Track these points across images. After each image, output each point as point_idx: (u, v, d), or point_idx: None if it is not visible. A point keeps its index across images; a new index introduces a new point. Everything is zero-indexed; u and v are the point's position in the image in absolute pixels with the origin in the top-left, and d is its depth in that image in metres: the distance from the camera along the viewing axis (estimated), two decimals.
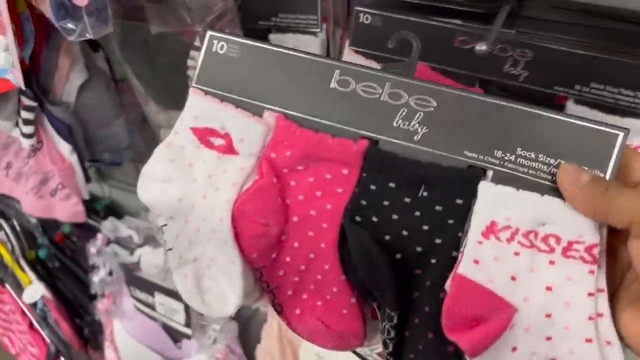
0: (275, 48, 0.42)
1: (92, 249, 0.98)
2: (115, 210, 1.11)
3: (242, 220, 0.41)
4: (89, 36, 0.51)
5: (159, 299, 0.85)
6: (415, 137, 0.37)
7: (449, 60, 0.55)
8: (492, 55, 0.49)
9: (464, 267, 0.34)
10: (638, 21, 0.45)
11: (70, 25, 0.50)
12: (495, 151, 0.36)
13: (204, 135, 0.43)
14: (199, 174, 0.43)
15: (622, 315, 0.32)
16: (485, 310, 0.32)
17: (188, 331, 0.85)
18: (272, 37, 0.70)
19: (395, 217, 0.37)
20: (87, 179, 0.85)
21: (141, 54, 0.74)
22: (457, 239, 0.35)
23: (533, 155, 0.35)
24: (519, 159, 0.35)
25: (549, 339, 0.33)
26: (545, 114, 0.35)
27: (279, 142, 0.40)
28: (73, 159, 0.80)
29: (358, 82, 0.39)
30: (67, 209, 0.83)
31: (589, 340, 0.32)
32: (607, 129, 0.34)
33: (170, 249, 0.44)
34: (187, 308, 0.82)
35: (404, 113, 0.38)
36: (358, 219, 0.38)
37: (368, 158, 0.38)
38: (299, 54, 0.41)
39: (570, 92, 0.52)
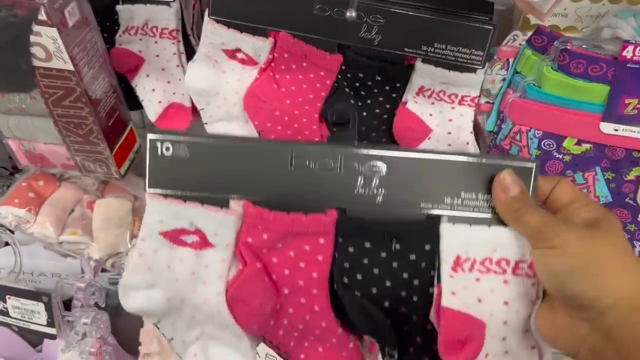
0: (224, 141, 0.43)
1: None
2: None
3: (237, 306, 0.44)
4: None
5: (13, 302, 0.78)
6: (377, 199, 0.43)
7: (309, 27, 0.61)
8: (349, 21, 0.52)
9: (446, 300, 0.42)
10: None
11: None
12: (445, 198, 0.43)
13: (175, 236, 0.44)
14: (180, 272, 0.45)
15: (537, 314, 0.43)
16: (468, 331, 0.41)
17: (52, 331, 0.79)
18: (120, 8, 0.70)
19: (376, 271, 0.43)
20: None
21: None
22: (431, 277, 0.43)
23: (474, 196, 0.43)
24: (464, 201, 0.43)
25: (504, 339, 0.43)
26: (473, 160, 0.42)
27: (253, 227, 0.43)
28: None
29: (313, 160, 0.43)
30: None
31: (526, 331, 0.43)
32: (522, 164, 0.42)
33: (172, 339, 0.47)
34: (49, 307, 0.77)
35: (361, 181, 0.43)
36: (346, 280, 0.44)
37: (341, 226, 0.43)
38: (250, 143, 0.43)
39: (418, 52, 0.61)
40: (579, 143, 0.59)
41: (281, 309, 0.46)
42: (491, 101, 0.65)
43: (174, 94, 0.73)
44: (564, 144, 0.60)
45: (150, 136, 0.43)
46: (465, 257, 0.42)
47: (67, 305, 0.79)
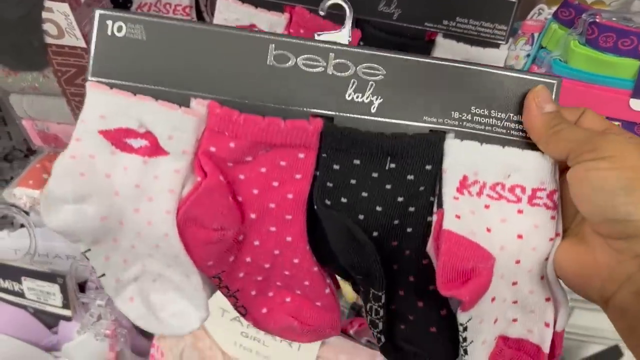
0: (190, 24, 0.35)
1: None
2: None
3: (191, 230, 0.35)
4: None
5: (28, 284, 0.79)
6: (372, 108, 0.36)
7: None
8: None
9: (448, 222, 0.34)
10: None
11: None
12: (452, 112, 0.36)
13: (119, 138, 0.35)
14: (121, 184, 0.36)
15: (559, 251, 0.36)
16: (474, 262, 0.33)
17: (67, 313, 0.80)
18: None
19: (365, 194, 0.36)
20: None
21: None
22: (430, 204, 0.36)
23: (486, 112, 0.36)
24: (475, 117, 0.36)
25: (515, 284, 0.36)
26: (487, 70, 0.36)
27: (218, 133, 0.35)
28: None
29: (298, 56, 0.35)
30: None
31: (542, 278, 0.36)
32: (545, 80, 0.36)
33: (104, 275, 0.37)
34: (64, 288, 0.77)
35: (354, 85, 0.35)
36: (327, 202, 0.36)
37: (326, 137, 0.35)
38: (221, 29, 0.36)
39: (439, 27, 0.57)
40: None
41: (245, 240, 0.37)
42: None
43: None
44: None
45: (99, 11, 0.35)
46: (473, 178, 0.35)
47: (82, 287, 0.81)
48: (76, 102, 0.68)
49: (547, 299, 0.36)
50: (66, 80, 0.64)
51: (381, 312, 0.37)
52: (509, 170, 0.35)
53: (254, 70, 0.35)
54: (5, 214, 0.83)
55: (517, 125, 0.36)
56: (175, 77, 0.35)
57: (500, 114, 0.36)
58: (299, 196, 0.36)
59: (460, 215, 0.34)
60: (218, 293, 0.43)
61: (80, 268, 0.80)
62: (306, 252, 0.37)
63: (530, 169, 0.35)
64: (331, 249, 0.36)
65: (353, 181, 0.36)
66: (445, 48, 0.59)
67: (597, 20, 0.53)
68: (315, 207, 0.36)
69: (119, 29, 0.35)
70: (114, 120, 0.35)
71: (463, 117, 0.36)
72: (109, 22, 0.35)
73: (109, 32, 0.35)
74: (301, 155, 0.36)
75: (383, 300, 0.36)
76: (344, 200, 0.36)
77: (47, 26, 0.57)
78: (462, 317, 0.34)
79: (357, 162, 0.35)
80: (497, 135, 0.36)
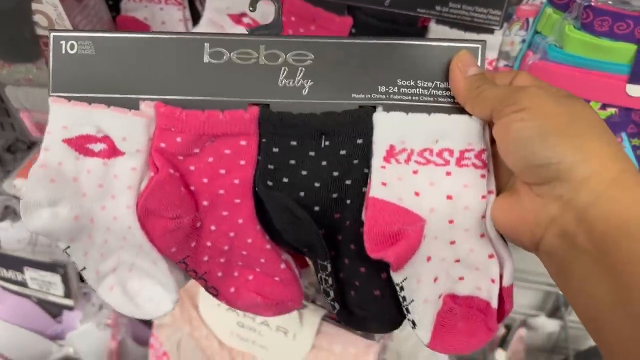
0: (132, 35, 0.39)
1: None
2: None
3: (150, 220, 0.39)
4: None
5: (30, 274, 0.80)
6: (303, 91, 0.38)
7: None
8: None
9: (374, 190, 0.36)
10: None
11: None
12: (379, 87, 0.38)
13: (81, 144, 0.39)
14: (87, 186, 0.40)
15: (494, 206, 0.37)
16: (400, 225, 0.35)
17: (69, 302, 0.81)
18: None
19: (304, 172, 0.38)
20: None
21: None
22: (364, 175, 0.38)
23: (412, 83, 0.38)
24: (401, 89, 0.38)
25: (452, 243, 0.37)
26: (410, 42, 0.38)
27: (165, 130, 0.39)
28: None
29: (231, 51, 0.38)
30: None
31: (482, 235, 0.37)
32: (468, 45, 0.37)
33: (85, 268, 0.41)
34: (65, 278, 0.78)
35: (285, 72, 0.38)
36: (270, 183, 0.38)
37: (263, 123, 0.38)
38: (160, 35, 0.39)
39: (432, 12, 0.56)
40: (603, 107, 0.55)
41: (202, 226, 0.40)
42: (510, 64, 0.61)
43: None
44: None
45: (53, 33, 0.39)
46: (400, 147, 0.36)
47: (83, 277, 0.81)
48: None
49: (490, 256, 0.37)
50: None
51: (330, 281, 0.39)
52: (437, 136, 0.37)
53: (193, 69, 0.38)
54: (8, 205, 0.84)
55: (444, 92, 0.37)
56: (124, 84, 0.39)
57: (426, 83, 0.37)
58: (245, 181, 0.39)
59: (386, 182, 0.36)
60: None
61: None
62: (257, 231, 0.40)
63: (458, 132, 0.36)
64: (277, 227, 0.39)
65: (292, 161, 0.38)
66: (439, 34, 0.59)
67: (592, 3, 0.51)
68: (257, 189, 0.38)
69: (72, 46, 0.39)
70: (75, 129, 0.39)
71: (390, 91, 0.37)
72: (62, 42, 0.39)
73: (63, 51, 0.39)
74: (243, 143, 0.38)
75: (329, 270, 0.38)
76: (285, 180, 0.38)
77: (37, 17, 0.57)
78: (396, 278, 0.36)
79: (294, 143, 0.38)
80: (425, 104, 0.37)
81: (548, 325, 1.26)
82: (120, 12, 0.68)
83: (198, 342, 0.65)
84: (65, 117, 0.39)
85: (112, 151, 0.39)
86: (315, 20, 0.59)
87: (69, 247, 0.41)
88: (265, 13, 0.59)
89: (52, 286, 0.80)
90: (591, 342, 1.29)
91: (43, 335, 0.85)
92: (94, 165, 0.40)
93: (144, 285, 0.42)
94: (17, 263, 0.79)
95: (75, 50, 0.39)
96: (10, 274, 0.81)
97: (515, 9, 0.60)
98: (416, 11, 0.56)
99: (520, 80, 0.37)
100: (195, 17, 0.69)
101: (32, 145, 0.90)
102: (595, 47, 0.52)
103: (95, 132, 0.39)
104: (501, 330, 1.26)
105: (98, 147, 0.39)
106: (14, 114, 0.77)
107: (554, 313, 1.26)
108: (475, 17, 0.55)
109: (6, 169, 0.88)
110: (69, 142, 0.39)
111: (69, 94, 0.39)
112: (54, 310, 0.85)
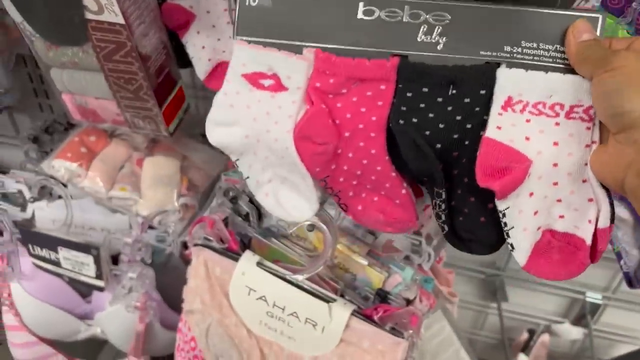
0: None
1: None
2: None
3: (304, 144, 0.49)
4: None
5: (64, 253, 0.79)
6: (438, 46, 0.45)
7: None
8: None
9: (489, 132, 0.43)
10: None
11: None
12: (505, 47, 0.44)
13: (255, 79, 0.50)
14: (257, 112, 0.50)
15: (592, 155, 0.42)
16: (508, 162, 0.42)
17: (100, 283, 0.81)
18: None
19: (431, 115, 0.46)
20: None
21: None
22: (484, 121, 0.45)
23: (535, 45, 0.43)
24: (524, 49, 0.44)
25: (555, 184, 0.43)
26: (536, 10, 0.43)
27: (321, 72, 0.48)
28: None
29: (381, 10, 0.46)
30: None
31: (584, 181, 0.43)
32: (589, 14, 0.42)
33: (248, 177, 0.53)
34: (98, 259, 0.78)
35: (425, 29, 0.45)
36: (401, 122, 0.46)
37: (401, 71, 0.46)
38: None
39: None
40: None
41: (342, 153, 0.50)
42: None
43: (224, 52, 0.70)
44: None
45: None
46: (517, 99, 0.43)
47: (115, 259, 0.81)
48: (114, 78, 0.66)
49: (590, 200, 0.43)
50: (105, 56, 0.64)
51: (443, 206, 0.47)
52: (551, 92, 0.42)
53: (348, 23, 0.47)
54: (45, 185, 0.85)
55: (561, 54, 0.43)
56: (292, 33, 0.48)
57: (547, 45, 0.43)
58: (381, 118, 0.47)
59: (501, 126, 0.43)
60: (238, 274, 0.61)
61: (114, 241, 0.80)
62: (386, 161, 0.48)
63: (570, 89, 0.42)
64: (404, 159, 0.47)
65: (422, 105, 0.46)
66: None
67: None
68: (390, 125, 0.47)
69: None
70: (251, 66, 0.50)
71: (514, 50, 0.44)
72: None
73: (247, 3, 0.49)
74: (382, 87, 0.47)
75: (443, 197, 0.46)
76: (414, 120, 0.46)
77: (87, 2, 0.58)
78: (500, 205, 0.43)
79: (425, 89, 0.46)
80: (544, 64, 0.43)
81: (572, 332, 1.25)
82: (166, 0, 0.69)
83: (227, 329, 0.65)
84: (244, 56, 0.50)
85: (278, 86, 0.49)
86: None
87: (238, 159, 0.53)
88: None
89: (85, 267, 0.80)
90: (616, 352, 1.26)
91: (72, 314, 0.85)
92: (263, 96, 0.50)
93: (293, 195, 0.52)
94: (51, 242, 0.79)
95: (256, 2, 0.49)
96: (44, 252, 0.81)
97: None
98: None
99: (637, 45, 0.41)
100: None
101: (69, 127, 0.91)
102: None
103: (267, 70, 0.49)
104: (524, 335, 1.27)
105: (268, 82, 0.50)
106: (54, 96, 0.78)
107: (579, 321, 1.25)
108: None
109: (43, 149, 0.89)
110: (245, 76, 0.50)
111: (249, 38, 0.50)
112: (84, 291, 0.85)
